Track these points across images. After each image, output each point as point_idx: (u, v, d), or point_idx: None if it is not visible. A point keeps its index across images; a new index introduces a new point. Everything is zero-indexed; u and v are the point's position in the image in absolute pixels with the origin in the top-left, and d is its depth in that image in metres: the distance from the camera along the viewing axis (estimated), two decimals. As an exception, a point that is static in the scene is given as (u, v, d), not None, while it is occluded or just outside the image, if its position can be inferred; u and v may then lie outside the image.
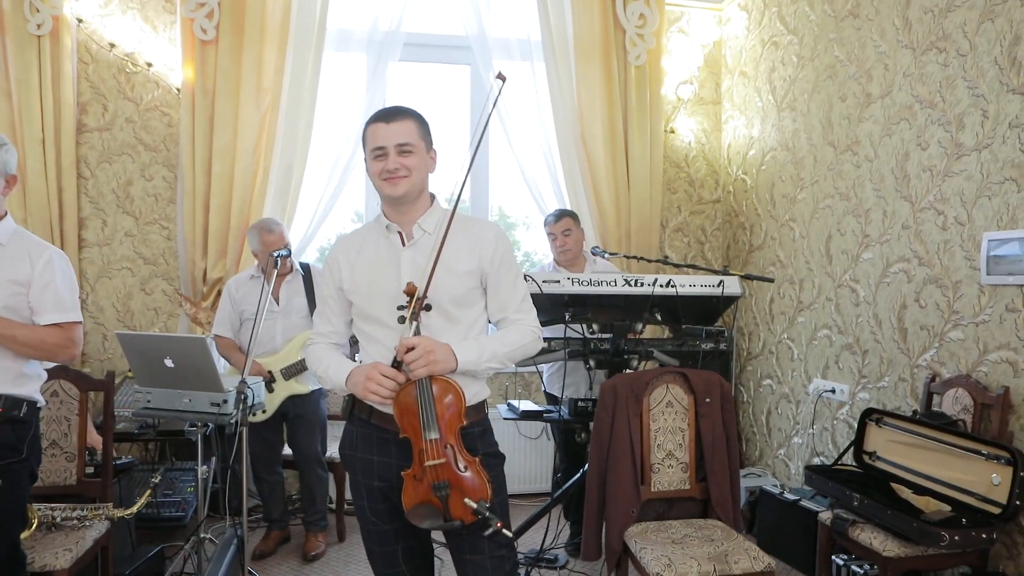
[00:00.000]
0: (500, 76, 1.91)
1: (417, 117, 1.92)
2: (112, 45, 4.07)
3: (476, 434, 1.92)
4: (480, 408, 1.96)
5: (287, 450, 3.72)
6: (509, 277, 1.95)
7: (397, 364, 1.80)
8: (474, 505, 1.77)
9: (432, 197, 1.99)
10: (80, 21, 4.03)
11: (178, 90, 4.09)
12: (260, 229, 3.51)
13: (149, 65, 4.11)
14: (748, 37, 4.42)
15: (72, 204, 4.01)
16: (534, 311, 1.99)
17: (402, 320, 1.81)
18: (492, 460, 1.92)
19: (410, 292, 1.80)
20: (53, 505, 2.62)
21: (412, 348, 1.76)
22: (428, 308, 1.83)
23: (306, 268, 3.62)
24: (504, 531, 1.78)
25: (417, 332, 1.80)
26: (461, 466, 1.79)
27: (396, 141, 1.85)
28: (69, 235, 4.01)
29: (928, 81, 3.00)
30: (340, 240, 2.07)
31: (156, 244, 4.20)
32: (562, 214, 3.66)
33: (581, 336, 3.06)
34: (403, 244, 1.92)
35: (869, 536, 2.54)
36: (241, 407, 2.79)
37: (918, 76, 3.05)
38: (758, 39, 4.31)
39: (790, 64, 3.97)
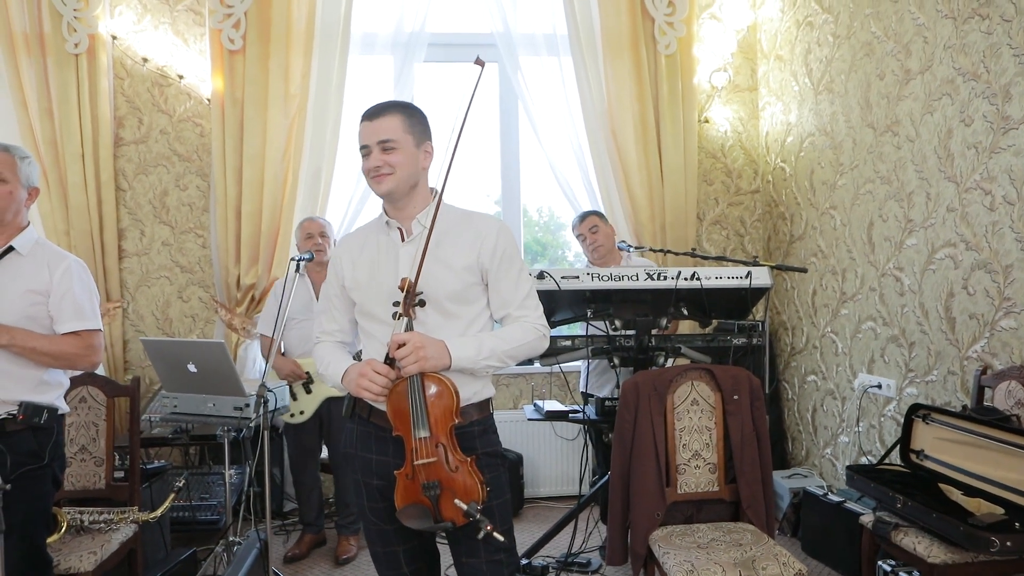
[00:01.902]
0: (478, 61, 1.85)
1: (405, 111, 1.86)
2: (145, 60, 4.18)
3: (476, 433, 1.87)
4: (484, 407, 1.91)
5: (325, 453, 3.73)
6: (511, 273, 1.90)
7: (390, 361, 1.77)
8: (464, 507, 1.71)
9: (434, 191, 1.94)
10: (115, 38, 4.14)
11: (208, 100, 4.17)
12: (302, 222, 3.64)
13: (181, 77, 4.20)
14: (783, 19, 4.24)
15: (111, 216, 4.12)
16: (539, 308, 1.94)
17: (396, 316, 1.78)
18: (491, 460, 1.87)
19: (403, 288, 1.77)
20: (82, 508, 2.68)
21: (403, 344, 1.73)
22: (422, 304, 1.80)
23: None
24: (496, 535, 1.71)
25: (410, 328, 1.77)
26: (452, 466, 1.75)
27: (378, 138, 1.82)
28: (109, 246, 4.12)
29: (971, 51, 2.80)
30: (344, 238, 2.08)
31: (192, 252, 4.29)
32: (586, 214, 3.68)
33: (605, 333, 2.98)
34: (402, 240, 1.89)
35: (913, 541, 2.36)
36: (262, 411, 2.80)
37: (960, 47, 2.85)
38: (793, 20, 4.13)
39: (826, 44, 3.79)
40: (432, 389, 1.76)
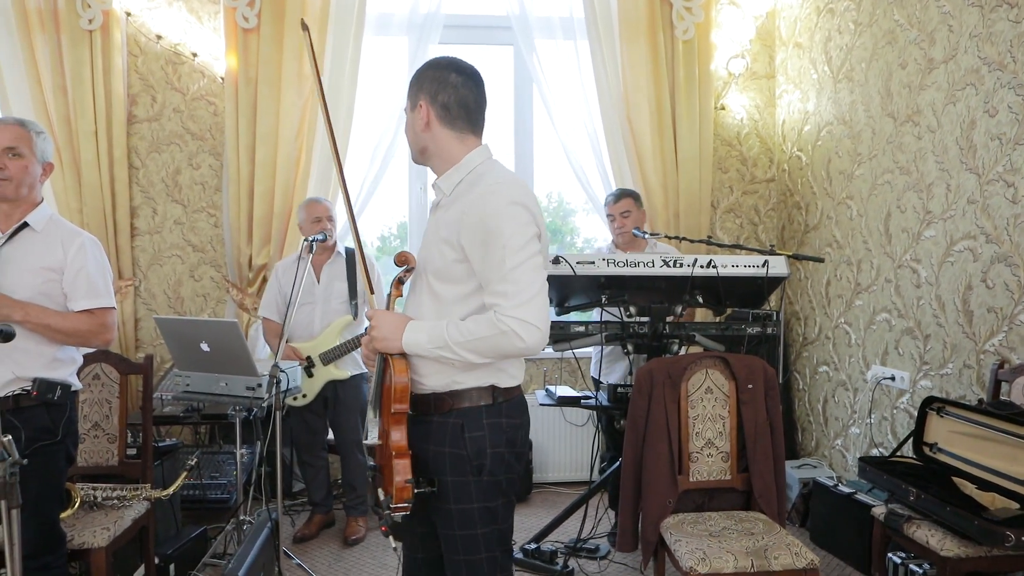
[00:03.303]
0: (304, 26, 1.85)
1: (410, 82, 1.79)
2: (159, 37, 4.15)
3: (448, 426, 1.69)
4: (462, 398, 1.68)
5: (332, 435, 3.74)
6: (489, 248, 1.58)
7: None
8: (381, 496, 1.67)
9: (468, 153, 1.75)
10: (129, 15, 4.12)
11: (222, 79, 4.14)
12: (307, 201, 3.62)
13: (195, 55, 4.17)
14: (803, 5, 4.18)
15: (124, 194, 4.12)
16: (522, 296, 1.56)
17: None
18: (459, 465, 1.67)
19: (395, 260, 1.80)
20: (95, 485, 2.69)
21: (370, 319, 1.73)
22: (401, 281, 1.80)
23: (349, 252, 3.62)
24: (391, 539, 1.63)
25: (390, 304, 1.80)
26: (387, 453, 1.67)
27: None
28: (122, 224, 4.12)
29: (997, 41, 2.75)
30: None
31: (204, 232, 4.28)
32: (622, 194, 3.55)
33: (619, 320, 2.96)
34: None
35: (926, 534, 2.35)
36: (274, 391, 2.80)
37: (986, 36, 2.81)
38: (813, 7, 4.07)
39: (847, 32, 3.73)
40: (387, 371, 1.68)
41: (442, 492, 1.68)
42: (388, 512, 1.60)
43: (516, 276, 1.57)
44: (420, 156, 1.80)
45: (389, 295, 1.80)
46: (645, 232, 3.47)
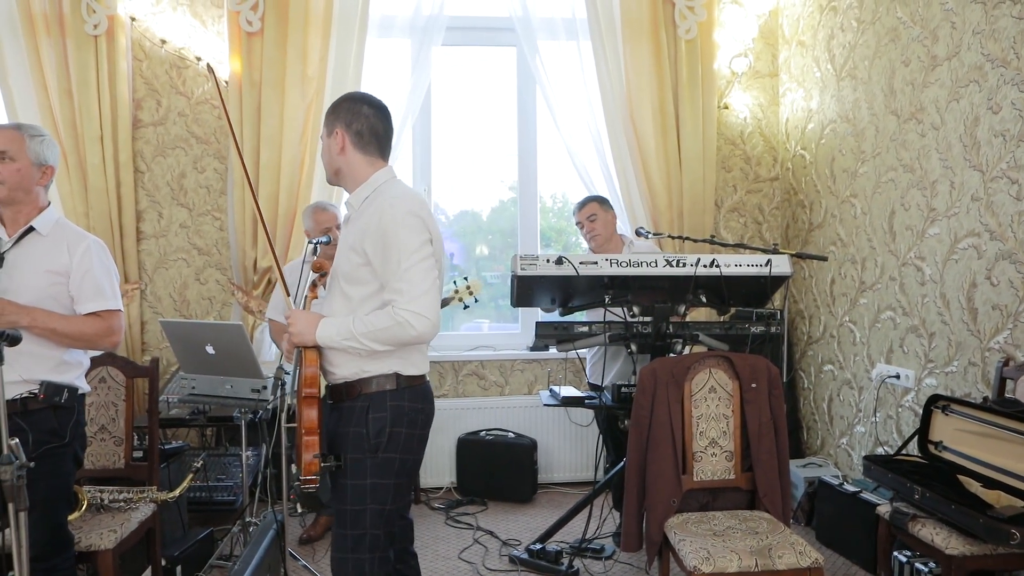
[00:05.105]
0: (209, 68, 2.10)
1: (327, 113, 2.04)
2: (164, 41, 4.17)
3: (356, 409, 1.93)
4: (370, 384, 1.93)
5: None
6: (387, 252, 1.86)
7: None
8: (294, 470, 1.89)
9: (374, 173, 2.00)
10: (133, 20, 4.14)
11: (226, 82, 4.16)
12: (314, 208, 3.56)
13: (199, 59, 4.19)
14: (806, 4, 4.17)
15: (130, 197, 4.14)
16: (412, 292, 1.83)
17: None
18: (357, 443, 1.92)
19: (312, 268, 2.11)
20: (102, 487, 2.71)
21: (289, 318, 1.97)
22: (315, 286, 2.07)
23: None
24: (297, 506, 1.90)
25: (307, 305, 2.07)
26: (300, 432, 1.88)
27: None
28: (127, 228, 4.14)
29: (1000, 37, 2.75)
30: None
31: (209, 235, 4.30)
32: (586, 201, 3.59)
33: (622, 320, 2.96)
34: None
35: (931, 532, 2.35)
36: (279, 393, 2.82)
37: (989, 32, 2.80)
38: (816, 5, 4.06)
39: (850, 30, 3.73)
40: (300, 361, 1.94)
41: (342, 469, 1.91)
42: (297, 483, 1.83)
43: (410, 276, 1.84)
44: (334, 177, 2.05)
45: (306, 298, 2.07)
46: (648, 232, 3.46)
